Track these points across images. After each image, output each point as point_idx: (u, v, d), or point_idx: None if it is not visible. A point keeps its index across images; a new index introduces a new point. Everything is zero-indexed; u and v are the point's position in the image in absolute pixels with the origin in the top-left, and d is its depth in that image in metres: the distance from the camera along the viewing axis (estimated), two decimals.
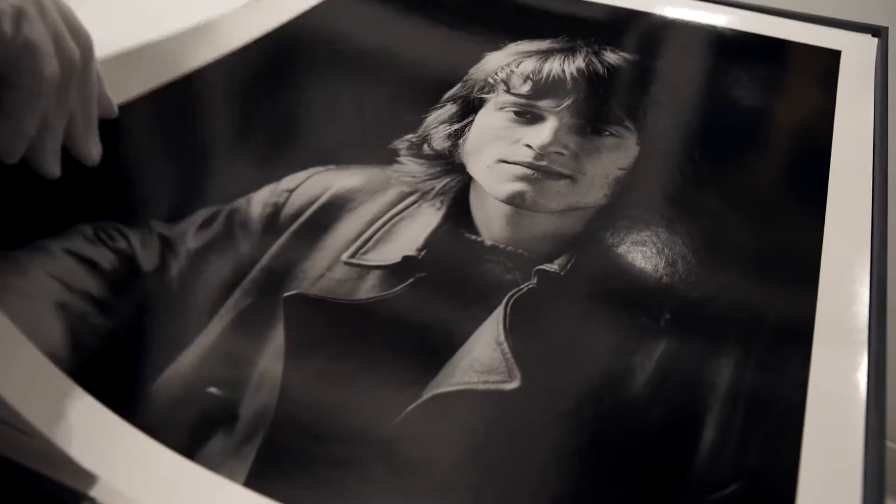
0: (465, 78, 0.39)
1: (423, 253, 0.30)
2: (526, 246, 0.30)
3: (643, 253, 0.29)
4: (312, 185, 0.33)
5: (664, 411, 0.24)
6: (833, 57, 0.39)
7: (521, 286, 0.28)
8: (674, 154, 0.34)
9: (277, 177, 0.33)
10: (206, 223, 0.30)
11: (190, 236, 0.29)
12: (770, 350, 0.25)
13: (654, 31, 0.42)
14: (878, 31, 0.41)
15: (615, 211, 0.31)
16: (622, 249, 0.29)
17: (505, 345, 0.26)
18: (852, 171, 0.32)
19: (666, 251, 0.29)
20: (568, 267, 0.29)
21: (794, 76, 0.39)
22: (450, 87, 0.39)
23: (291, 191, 0.32)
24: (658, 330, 0.26)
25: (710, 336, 0.26)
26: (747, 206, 0.31)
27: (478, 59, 0.41)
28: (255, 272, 0.28)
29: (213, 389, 0.24)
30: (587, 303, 0.28)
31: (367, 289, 0.28)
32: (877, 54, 0.39)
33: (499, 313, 0.27)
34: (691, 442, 0.23)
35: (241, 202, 0.32)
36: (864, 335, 0.26)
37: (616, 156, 0.33)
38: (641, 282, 0.28)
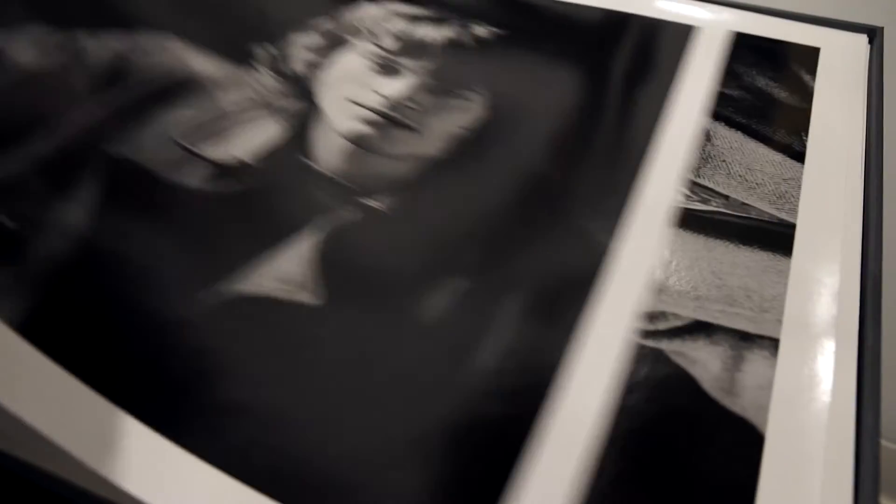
0: (335, 15, 0.40)
1: (257, 161, 0.30)
2: (357, 181, 0.31)
3: (466, 204, 0.31)
4: (166, 54, 0.32)
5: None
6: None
7: (345, 216, 0.30)
8: (526, 127, 0.35)
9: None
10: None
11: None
12: None
13: (541, 13, 0.43)
14: (872, 32, 0.41)
15: (447, 163, 0.33)
16: (445, 197, 0.31)
17: (316, 263, 0.27)
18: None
19: (487, 205, 0.31)
20: (392, 206, 0.30)
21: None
22: (318, 18, 0.39)
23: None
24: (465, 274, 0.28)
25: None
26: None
27: (353, 2, 0.41)
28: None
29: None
30: (405, 241, 0.30)
31: (190, 175, 0.28)
32: (871, 54, 0.39)
33: (316, 236, 0.28)
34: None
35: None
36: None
37: (460, 116, 0.35)
38: (457, 229, 0.30)
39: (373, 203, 0.30)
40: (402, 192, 0.31)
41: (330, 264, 0.28)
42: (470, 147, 0.33)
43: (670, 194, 0.32)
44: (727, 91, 0.38)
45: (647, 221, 0.31)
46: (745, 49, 0.41)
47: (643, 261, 0.29)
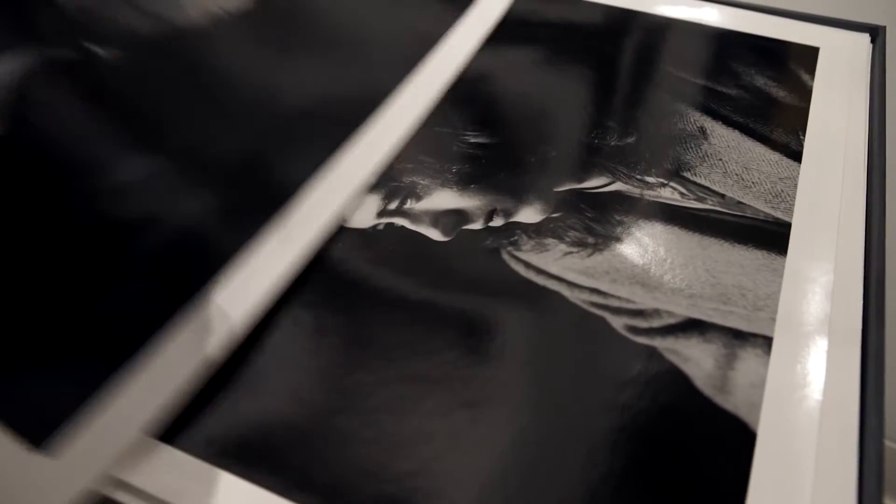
0: None
1: None
2: None
3: None
4: None
5: None
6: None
7: None
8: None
9: None
10: None
11: None
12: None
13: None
14: (875, 31, 0.41)
15: None
16: None
17: None
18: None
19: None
20: None
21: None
22: None
23: None
24: None
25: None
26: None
27: None
28: None
29: None
30: None
31: None
32: (874, 54, 0.39)
33: None
34: None
35: None
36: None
37: None
38: None
39: None
40: None
41: None
42: None
43: None
44: (725, 90, 0.38)
45: None
46: (744, 48, 0.41)
47: None
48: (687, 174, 0.33)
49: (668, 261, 0.29)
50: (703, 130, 0.35)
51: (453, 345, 0.26)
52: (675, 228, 0.30)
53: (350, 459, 0.23)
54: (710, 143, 0.35)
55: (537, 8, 0.45)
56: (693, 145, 0.34)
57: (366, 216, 0.31)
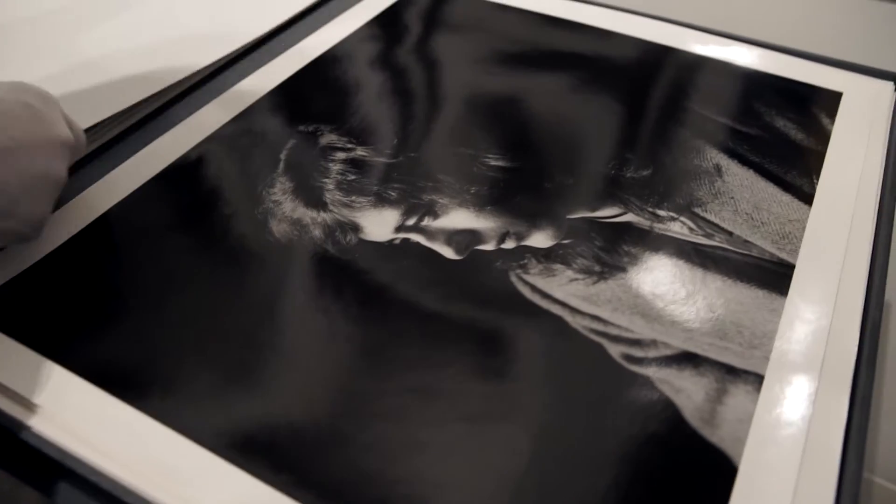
0: None
1: None
2: None
3: None
4: None
5: None
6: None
7: None
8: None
9: None
10: None
11: None
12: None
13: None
14: None
15: None
16: None
17: None
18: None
19: None
20: None
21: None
22: None
23: None
24: None
25: None
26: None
27: None
28: None
29: None
30: None
31: None
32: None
33: None
34: None
35: None
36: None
37: None
38: None
39: None
40: None
41: None
42: None
43: None
44: (745, 129, 0.39)
45: None
46: (768, 89, 0.42)
47: None
48: (698, 210, 0.34)
49: (671, 294, 0.30)
50: (718, 168, 0.36)
51: (457, 360, 0.27)
52: (681, 262, 0.32)
53: (346, 462, 0.24)
54: (723, 181, 0.35)
55: (570, 37, 0.46)
56: (707, 182, 0.35)
57: (384, 230, 0.32)
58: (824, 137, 0.38)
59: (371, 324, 0.28)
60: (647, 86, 0.42)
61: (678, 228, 0.33)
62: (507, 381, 0.27)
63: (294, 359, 0.27)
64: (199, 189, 0.34)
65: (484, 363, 0.27)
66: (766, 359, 0.28)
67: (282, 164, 0.35)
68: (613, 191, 0.35)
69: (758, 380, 0.27)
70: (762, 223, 0.33)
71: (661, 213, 0.34)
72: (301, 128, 0.38)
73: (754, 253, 0.32)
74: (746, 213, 0.34)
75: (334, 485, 0.23)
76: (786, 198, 0.35)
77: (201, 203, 0.33)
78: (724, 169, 0.36)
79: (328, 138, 0.37)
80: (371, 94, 0.40)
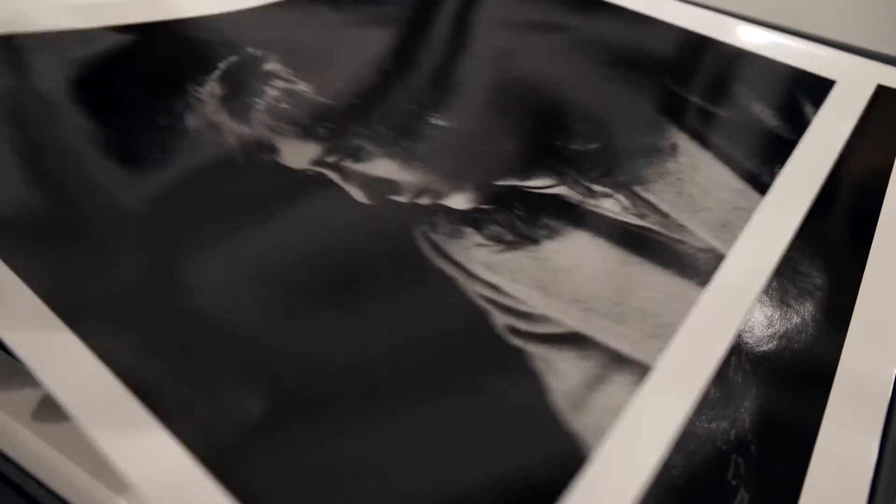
0: None
1: None
2: None
3: None
4: None
5: None
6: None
7: None
8: None
9: None
10: None
11: None
12: None
13: None
14: None
15: None
16: None
17: None
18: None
19: None
20: None
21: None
22: None
23: None
24: None
25: None
26: None
27: None
28: None
29: None
30: None
31: None
32: None
33: None
34: None
35: None
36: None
37: None
38: None
39: None
40: None
41: None
42: None
43: None
44: (717, 111, 0.36)
45: None
46: (755, 71, 0.39)
47: None
48: (638, 188, 0.32)
49: (580, 272, 0.28)
50: (674, 147, 0.34)
51: (327, 295, 0.26)
52: (601, 241, 0.30)
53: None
54: (676, 161, 0.33)
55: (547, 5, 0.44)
56: (658, 160, 0.33)
57: (300, 159, 0.31)
58: (801, 127, 0.35)
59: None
60: (623, 58, 0.39)
61: (610, 205, 0.31)
62: (379, 331, 0.25)
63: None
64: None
65: (355, 305, 0.26)
66: (662, 350, 0.26)
67: (218, 73, 0.34)
68: (551, 161, 0.33)
69: (644, 371, 0.25)
70: (705, 209, 0.31)
71: (597, 188, 0.32)
72: (250, 49, 0.37)
73: (685, 238, 0.30)
74: (690, 196, 0.31)
75: None
76: (740, 185, 0.32)
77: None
78: (680, 149, 0.34)
79: (273, 66, 0.36)
80: (332, 37, 0.39)
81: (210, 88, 0.33)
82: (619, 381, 0.25)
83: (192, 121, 0.31)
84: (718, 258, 0.29)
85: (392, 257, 0.28)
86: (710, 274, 0.28)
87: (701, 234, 0.30)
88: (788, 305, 0.28)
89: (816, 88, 0.38)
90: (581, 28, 0.41)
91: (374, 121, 0.34)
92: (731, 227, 0.30)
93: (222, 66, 0.35)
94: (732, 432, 0.24)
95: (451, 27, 0.41)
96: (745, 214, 0.31)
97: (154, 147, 0.30)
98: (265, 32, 0.38)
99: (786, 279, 0.29)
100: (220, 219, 0.28)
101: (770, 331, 0.27)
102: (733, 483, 0.23)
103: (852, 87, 0.38)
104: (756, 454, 0.24)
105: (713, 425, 0.24)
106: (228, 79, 0.34)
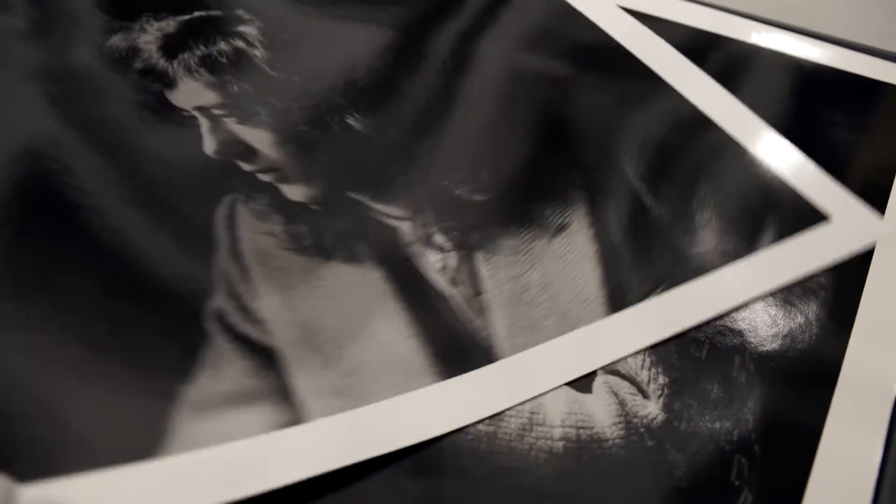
0: None
1: None
2: None
3: None
4: None
5: None
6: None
7: None
8: None
9: None
10: None
11: None
12: None
13: None
14: None
15: None
16: None
17: None
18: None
19: None
20: None
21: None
22: None
23: None
24: None
25: None
26: None
27: None
28: None
29: None
30: None
31: None
32: None
33: None
34: None
35: None
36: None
37: None
38: None
39: None
40: None
41: None
42: None
43: None
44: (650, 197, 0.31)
45: None
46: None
47: None
48: (480, 255, 0.29)
49: (334, 302, 0.27)
50: (560, 228, 0.30)
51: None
52: (387, 287, 0.27)
53: None
54: (547, 243, 0.29)
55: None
56: (527, 234, 0.30)
57: (188, 100, 0.32)
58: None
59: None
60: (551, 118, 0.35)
61: (432, 259, 0.28)
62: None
63: None
64: None
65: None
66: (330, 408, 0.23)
67: (184, 17, 0.36)
68: (421, 194, 0.31)
69: (292, 418, 0.23)
70: (529, 302, 0.27)
71: (438, 238, 0.29)
72: (240, 11, 0.38)
73: (478, 324, 0.27)
74: (526, 285, 0.28)
75: None
76: (597, 294, 0.28)
77: None
78: (565, 232, 0.30)
79: (248, 29, 0.37)
80: (324, 25, 0.39)
81: (164, 24, 0.36)
82: (257, 413, 0.23)
83: (116, 40, 0.34)
84: (489, 351, 0.25)
85: (193, 206, 0.28)
86: (452, 372, 0.25)
87: (497, 328, 0.26)
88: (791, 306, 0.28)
89: None
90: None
91: (294, 101, 0.34)
92: (538, 334, 0.26)
93: (197, 14, 0.37)
94: (736, 432, 0.24)
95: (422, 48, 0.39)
96: (562, 327, 0.27)
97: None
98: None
99: None
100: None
101: (773, 330, 0.27)
102: (736, 483, 0.23)
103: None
104: (759, 455, 0.24)
105: (717, 425, 0.25)
106: (190, 24, 0.36)
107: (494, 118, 0.35)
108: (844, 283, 0.29)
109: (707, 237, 0.30)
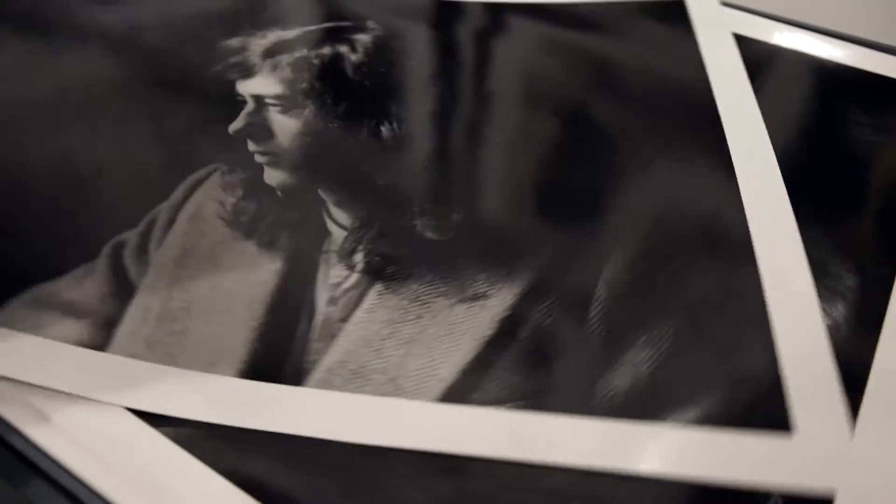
0: None
1: None
2: None
3: None
4: None
5: None
6: None
7: None
8: None
9: None
10: None
11: None
12: None
13: None
14: None
15: None
16: None
17: None
18: None
19: None
20: None
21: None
22: None
23: None
24: None
25: None
26: None
27: None
28: None
29: None
30: None
31: None
32: None
33: None
34: None
35: None
36: None
37: None
38: None
39: None
40: None
41: None
42: None
43: None
44: None
45: None
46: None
47: None
48: (378, 286, 0.28)
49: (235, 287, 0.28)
50: (476, 297, 0.27)
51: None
52: (273, 280, 0.28)
53: None
54: (451, 309, 0.27)
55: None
56: (436, 289, 0.28)
57: (253, 87, 0.36)
58: None
59: None
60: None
61: (335, 273, 0.28)
62: None
63: None
64: None
65: None
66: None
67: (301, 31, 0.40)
68: (376, 213, 0.30)
69: None
70: (378, 350, 0.26)
71: (357, 258, 0.29)
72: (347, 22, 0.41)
73: (314, 345, 0.26)
74: (389, 335, 0.26)
75: None
76: (448, 376, 0.25)
77: None
78: (480, 303, 0.27)
79: (363, 37, 0.39)
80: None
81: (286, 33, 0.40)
82: (74, 326, 0.26)
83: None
84: (301, 374, 0.25)
85: (177, 160, 0.32)
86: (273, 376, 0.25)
87: (328, 358, 0.26)
88: None
89: None
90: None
91: (347, 101, 0.36)
92: (355, 383, 0.25)
93: (326, 24, 0.40)
94: None
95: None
96: (384, 388, 0.25)
97: None
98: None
99: None
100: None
101: None
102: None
103: None
104: None
105: None
106: (310, 34, 0.40)
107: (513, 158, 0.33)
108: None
109: (624, 379, 0.25)
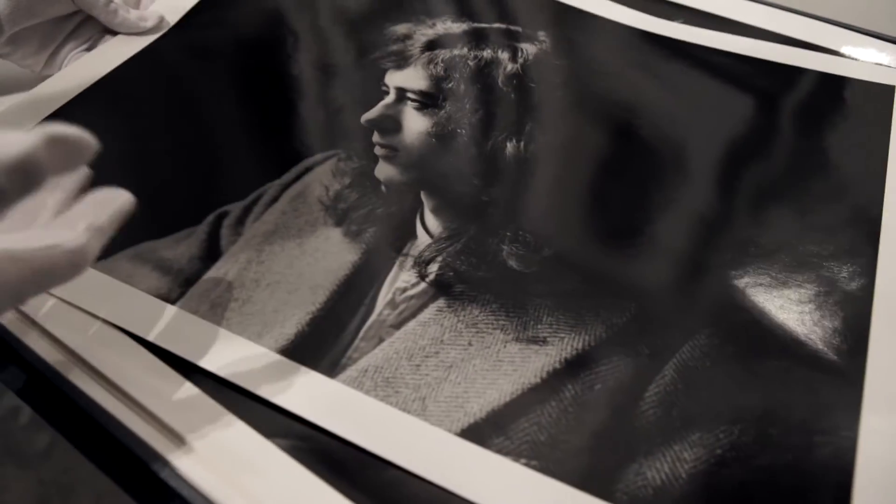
0: None
1: None
2: None
3: None
4: None
5: None
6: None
7: None
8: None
9: None
10: None
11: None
12: None
13: None
14: None
15: None
16: None
17: None
18: None
19: None
20: None
21: None
22: None
23: None
24: None
25: None
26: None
27: None
28: None
29: None
30: None
31: None
32: None
33: None
34: None
35: None
36: None
37: None
38: None
39: None
40: None
41: None
42: None
43: None
44: None
45: None
46: None
47: None
48: (440, 302, 0.27)
49: (309, 257, 0.29)
50: (534, 340, 0.26)
51: None
52: (345, 271, 0.28)
53: None
54: (505, 346, 0.26)
55: None
56: (497, 319, 0.26)
57: (399, 79, 0.36)
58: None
59: None
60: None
61: (404, 277, 0.28)
62: None
63: None
64: None
65: None
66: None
67: (469, 25, 0.40)
68: (466, 225, 0.29)
69: None
70: (419, 366, 0.25)
71: (432, 268, 0.28)
72: (516, 27, 0.40)
73: (358, 344, 0.26)
74: (432, 353, 0.25)
75: None
76: (479, 413, 0.24)
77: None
78: (537, 347, 0.26)
79: (532, 47, 0.38)
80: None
81: (454, 25, 0.40)
82: (157, 279, 0.28)
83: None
84: (337, 367, 0.25)
85: (303, 145, 0.34)
86: (312, 360, 0.25)
87: (367, 357, 0.25)
88: None
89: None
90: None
91: (488, 113, 0.35)
92: (384, 391, 0.24)
93: (497, 25, 0.40)
94: None
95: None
96: (412, 406, 0.24)
97: None
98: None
99: None
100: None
101: None
102: None
103: None
104: None
105: None
106: (478, 30, 0.39)
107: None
108: None
109: (658, 474, 0.22)
